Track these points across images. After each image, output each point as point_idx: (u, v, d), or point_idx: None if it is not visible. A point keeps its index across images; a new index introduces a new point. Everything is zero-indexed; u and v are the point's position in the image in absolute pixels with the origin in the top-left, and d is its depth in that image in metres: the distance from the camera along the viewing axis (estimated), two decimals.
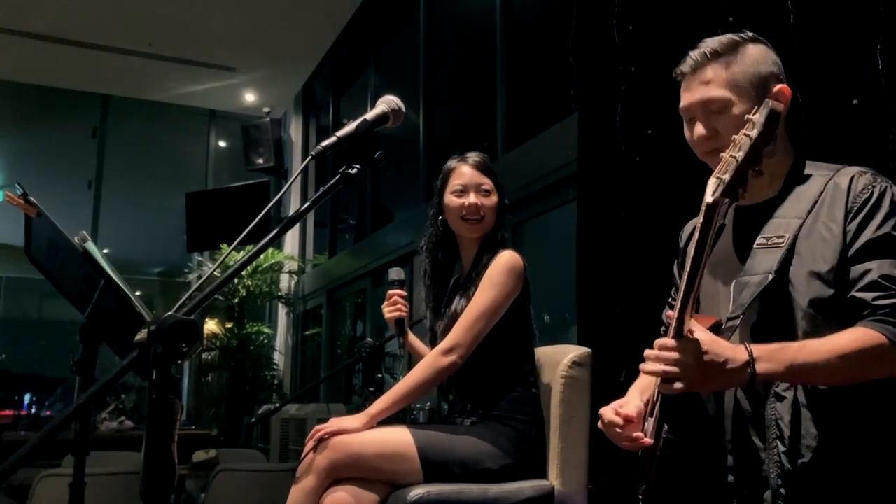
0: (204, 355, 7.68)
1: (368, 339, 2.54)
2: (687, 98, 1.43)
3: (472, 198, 2.10)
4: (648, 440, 1.32)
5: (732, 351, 1.20)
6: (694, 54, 1.43)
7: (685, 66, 1.44)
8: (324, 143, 1.34)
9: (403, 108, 1.46)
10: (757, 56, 1.42)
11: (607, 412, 1.41)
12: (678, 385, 1.19)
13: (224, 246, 6.64)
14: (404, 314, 2.23)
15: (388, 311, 2.24)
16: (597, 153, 3.00)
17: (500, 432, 1.94)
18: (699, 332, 1.20)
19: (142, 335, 1.06)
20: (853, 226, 1.29)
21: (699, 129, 1.42)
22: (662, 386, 1.22)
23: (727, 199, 1.11)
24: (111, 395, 6.32)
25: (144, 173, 9.50)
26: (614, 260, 2.76)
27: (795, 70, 2.17)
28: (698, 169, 1.43)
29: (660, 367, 1.20)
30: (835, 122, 2.06)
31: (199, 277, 7.39)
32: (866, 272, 1.25)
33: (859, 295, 1.25)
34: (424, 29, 5.78)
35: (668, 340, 1.20)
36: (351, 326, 7.36)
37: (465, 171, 2.14)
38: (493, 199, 2.13)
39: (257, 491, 3.19)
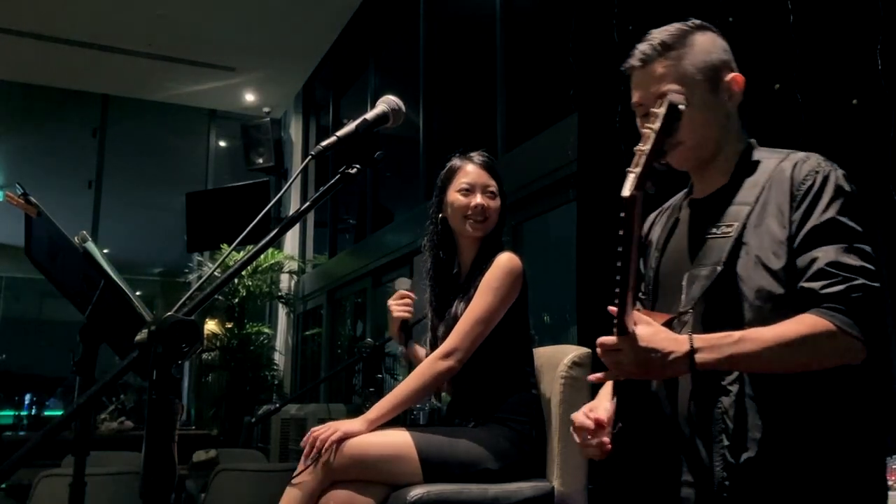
0: (204, 355, 7.68)
1: (369, 339, 2.55)
2: (639, 93, 1.42)
3: (478, 199, 2.08)
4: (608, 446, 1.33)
5: (673, 342, 1.19)
6: (642, 48, 1.42)
7: (634, 61, 1.43)
8: (324, 143, 1.34)
9: (403, 108, 1.46)
10: (706, 45, 1.41)
11: (578, 416, 1.41)
12: (622, 375, 1.22)
13: (224, 246, 6.64)
14: (409, 315, 2.20)
15: (397, 309, 2.19)
16: (597, 153, 3.00)
17: (500, 433, 1.94)
18: (641, 326, 1.20)
19: (142, 335, 1.06)
20: (798, 215, 1.28)
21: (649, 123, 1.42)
22: (611, 372, 1.24)
23: (638, 192, 1.10)
24: (112, 395, 6.32)
25: (144, 173, 9.50)
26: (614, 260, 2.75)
27: (795, 70, 2.17)
28: None
29: (602, 358, 1.22)
30: (835, 122, 2.06)
31: (200, 277, 7.39)
32: (813, 260, 1.24)
33: (807, 285, 1.23)
34: (424, 29, 5.78)
35: (609, 339, 1.20)
36: (351, 326, 7.36)
37: (471, 171, 2.12)
38: (498, 201, 2.12)
39: (257, 491, 3.19)
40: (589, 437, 1.37)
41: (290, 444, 5.04)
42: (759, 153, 1.42)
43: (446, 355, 1.95)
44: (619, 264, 1.14)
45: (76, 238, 1.67)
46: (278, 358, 8.28)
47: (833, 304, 1.19)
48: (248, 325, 7.68)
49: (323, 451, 1.81)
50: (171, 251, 10.23)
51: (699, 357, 1.18)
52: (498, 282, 1.99)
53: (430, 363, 1.97)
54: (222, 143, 9.27)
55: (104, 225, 8.37)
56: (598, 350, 1.22)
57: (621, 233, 1.12)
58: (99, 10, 6.77)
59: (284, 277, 8.25)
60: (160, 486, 1.05)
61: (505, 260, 2.02)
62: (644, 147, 1.09)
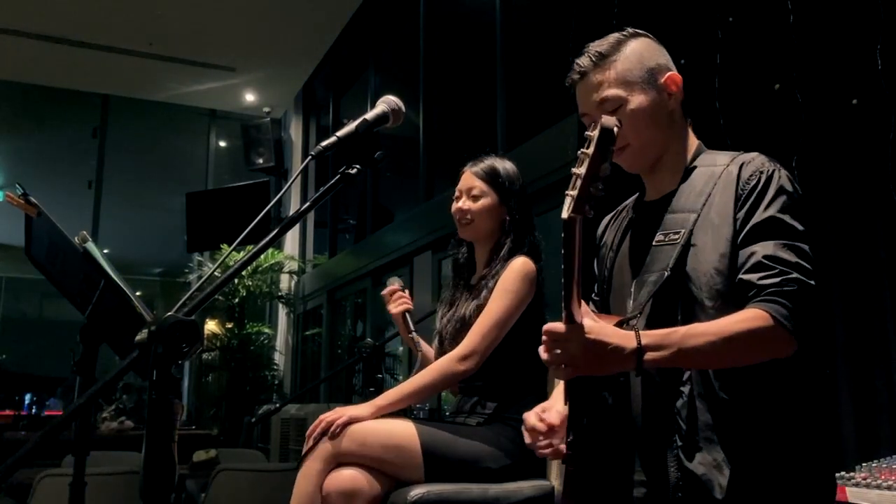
0: (204, 355, 7.68)
1: (369, 339, 2.55)
2: (582, 104, 1.46)
3: (459, 202, 2.17)
4: (563, 448, 1.33)
5: (620, 337, 1.20)
6: (580, 61, 1.46)
7: (574, 74, 1.47)
8: (324, 143, 1.34)
9: (403, 108, 1.46)
10: (640, 50, 1.45)
11: (530, 417, 1.41)
12: (567, 370, 1.21)
13: (224, 246, 6.64)
14: (409, 307, 2.24)
15: (395, 306, 2.23)
16: None
17: (502, 432, 1.95)
18: (587, 318, 1.21)
19: (142, 335, 1.06)
20: (742, 213, 1.30)
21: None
22: (554, 372, 1.23)
23: (579, 216, 1.12)
24: (111, 395, 6.31)
25: (144, 173, 9.51)
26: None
27: (795, 70, 2.17)
28: None
29: (547, 354, 1.21)
30: (835, 122, 2.06)
31: (200, 277, 7.39)
32: (752, 254, 1.26)
33: (745, 277, 1.25)
34: (424, 29, 5.77)
35: (556, 325, 1.21)
36: (351, 326, 7.36)
37: (463, 177, 2.21)
38: (485, 202, 2.14)
39: (257, 491, 3.19)
40: (541, 438, 1.39)
41: (291, 444, 5.04)
42: (708, 156, 1.45)
43: (464, 358, 1.98)
44: (562, 280, 1.17)
45: (76, 238, 1.67)
46: (278, 358, 8.28)
47: (769, 295, 1.21)
48: (248, 325, 7.68)
49: (329, 433, 1.84)
50: (171, 251, 10.23)
51: (647, 355, 1.19)
52: (513, 285, 2.02)
53: (447, 363, 1.99)
54: (222, 143, 9.27)
55: (104, 225, 8.37)
56: (545, 338, 1.22)
57: (563, 251, 1.16)
58: (99, 10, 6.76)
59: (284, 277, 8.25)
60: (160, 486, 1.05)
61: (519, 264, 2.06)
62: (579, 170, 1.11)
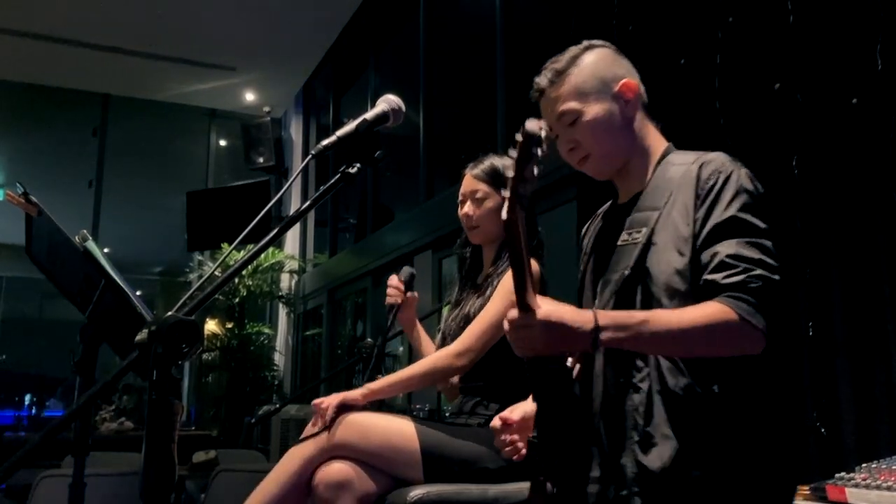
0: (204, 356, 7.68)
1: (369, 339, 2.55)
2: (545, 119, 1.51)
3: (465, 208, 2.16)
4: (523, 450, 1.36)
5: (578, 316, 1.22)
6: (538, 79, 1.51)
7: (534, 93, 1.52)
8: (324, 143, 1.34)
9: (403, 108, 1.46)
10: (594, 60, 1.49)
11: (496, 419, 1.47)
12: (528, 351, 1.25)
13: (224, 245, 6.64)
14: (395, 301, 2.25)
15: (389, 296, 2.27)
16: None
17: None
18: (546, 303, 1.23)
19: (142, 335, 1.06)
20: (701, 213, 1.32)
21: (561, 144, 1.51)
22: (518, 351, 1.27)
23: (515, 216, 1.15)
24: (111, 395, 6.32)
25: (145, 173, 9.51)
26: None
27: (795, 70, 2.17)
28: None
29: (512, 342, 1.25)
30: (835, 122, 2.06)
31: (200, 277, 7.39)
32: (715, 254, 1.28)
33: (709, 276, 1.27)
34: (424, 29, 5.77)
35: (514, 312, 1.24)
36: (351, 326, 7.36)
37: (464, 181, 2.20)
38: (489, 204, 2.14)
39: None
40: (504, 437, 1.43)
41: (291, 445, 5.03)
42: (675, 157, 1.47)
43: (458, 354, 1.99)
44: (513, 275, 1.20)
45: (76, 237, 1.67)
46: (278, 358, 8.27)
47: (734, 292, 1.23)
48: (248, 325, 7.67)
49: (325, 416, 1.87)
50: (171, 251, 10.24)
51: (604, 334, 1.21)
52: None
53: (442, 357, 2.01)
54: (223, 143, 9.27)
55: (104, 224, 8.37)
56: (506, 327, 1.25)
57: (508, 251, 1.20)
58: (99, 10, 6.76)
59: (285, 277, 8.24)
60: (160, 487, 1.05)
61: None
62: (510, 174, 1.14)
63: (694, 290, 1.29)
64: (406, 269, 2.30)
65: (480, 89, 5.14)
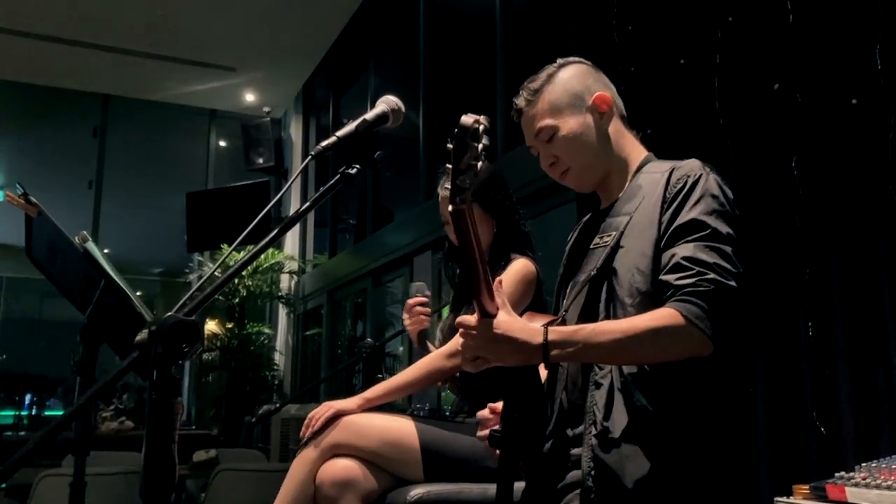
0: (204, 355, 7.68)
1: (369, 339, 2.55)
2: (526, 137, 1.56)
3: (449, 231, 2.16)
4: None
5: (527, 331, 1.24)
6: (516, 100, 1.55)
7: (514, 113, 1.56)
8: (324, 143, 1.34)
9: (403, 108, 1.46)
10: (567, 77, 1.53)
11: (485, 410, 1.49)
12: (477, 362, 1.26)
13: (224, 246, 6.63)
14: (425, 325, 2.26)
15: (413, 322, 2.26)
16: None
17: None
18: (502, 312, 1.25)
19: (142, 335, 1.06)
20: (667, 216, 1.34)
21: (542, 161, 1.54)
22: (464, 364, 1.29)
23: (460, 207, 1.17)
24: (109, 397, 6.32)
25: (145, 173, 9.51)
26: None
27: (795, 70, 2.17)
28: None
29: (460, 345, 1.27)
30: (835, 122, 2.06)
31: (200, 277, 7.39)
32: (672, 256, 1.29)
33: (664, 277, 1.28)
34: (424, 29, 5.77)
35: (467, 317, 1.26)
36: (351, 326, 7.36)
37: (441, 202, 2.19)
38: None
39: (257, 491, 3.19)
40: (480, 428, 1.44)
41: (291, 444, 5.04)
42: (652, 166, 1.49)
43: (451, 354, 1.99)
44: (466, 274, 1.22)
45: (76, 238, 1.67)
46: (278, 358, 8.28)
47: (685, 295, 1.23)
48: (248, 325, 7.68)
49: (316, 426, 1.86)
50: (171, 251, 10.24)
51: (553, 350, 1.23)
52: (510, 287, 2.02)
53: (434, 359, 2.01)
54: (222, 143, 9.27)
55: (104, 225, 8.37)
56: (459, 328, 1.26)
57: (459, 245, 1.22)
58: (99, 10, 6.76)
59: (285, 277, 8.25)
60: (160, 486, 1.05)
61: (519, 266, 2.06)
62: (448, 166, 1.17)
63: (655, 290, 1.30)
64: (419, 286, 2.30)
65: (480, 89, 5.14)
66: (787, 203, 2.14)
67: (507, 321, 1.24)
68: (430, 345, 2.27)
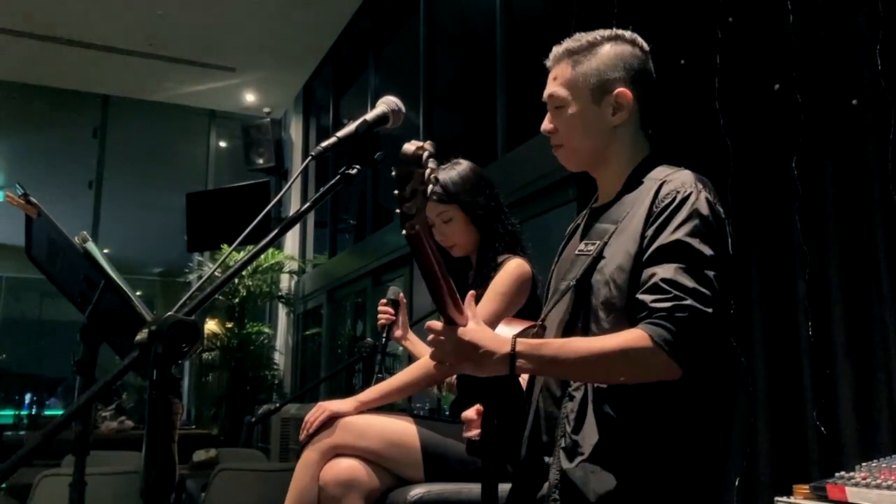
0: (204, 355, 7.68)
1: (368, 339, 2.55)
2: (546, 90, 1.49)
3: (437, 234, 2.12)
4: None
5: (494, 342, 1.24)
6: (555, 49, 1.47)
7: (548, 60, 1.49)
8: (324, 144, 1.33)
9: (403, 109, 1.45)
10: (607, 57, 1.44)
11: (471, 410, 1.49)
12: (444, 366, 1.26)
13: (224, 246, 6.64)
14: (388, 320, 2.27)
15: (380, 318, 2.30)
16: None
17: None
18: (471, 322, 1.25)
19: (142, 335, 1.06)
20: (650, 231, 1.29)
21: (545, 122, 1.48)
22: (436, 367, 1.29)
23: (412, 231, 1.13)
24: (111, 395, 6.31)
25: (145, 173, 9.51)
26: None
27: (795, 70, 2.17)
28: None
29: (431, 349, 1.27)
30: (835, 122, 2.06)
31: (200, 277, 7.39)
32: (652, 275, 1.25)
33: (640, 297, 1.25)
34: (424, 29, 5.77)
35: (436, 322, 1.25)
36: (351, 326, 7.36)
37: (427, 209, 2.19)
38: (455, 223, 2.13)
39: (257, 490, 3.20)
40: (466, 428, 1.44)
41: (291, 444, 5.04)
42: (654, 171, 1.43)
43: None
44: (429, 291, 1.20)
45: (76, 238, 1.67)
46: (278, 358, 8.28)
47: (658, 319, 1.20)
48: (248, 325, 7.68)
49: (311, 429, 1.87)
50: (171, 251, 10.24)
51: (519, 361, 1.22)
52: (505, 287, 2.01)
53: (428, 362, 1.98)
54: (222, 144, 9.27)
55: (104, 225, 8.37)
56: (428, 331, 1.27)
57: (417, 264, 1.20)
58: (99, 10, 6.76)
59: (284, 277, 8.25)
60: (160, 486, 1.05)
61: (514, 266, 2.04)
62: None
63: (629, 305, 1.27)
64: (392, 290, 2.32)
65: (480, 89, 5.14)
66: (787, 203, 2.14)
67: (474, 330, 1.24)
68: (407, 344, 2.30)
